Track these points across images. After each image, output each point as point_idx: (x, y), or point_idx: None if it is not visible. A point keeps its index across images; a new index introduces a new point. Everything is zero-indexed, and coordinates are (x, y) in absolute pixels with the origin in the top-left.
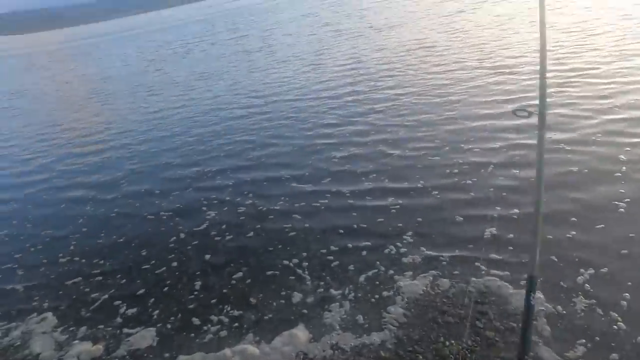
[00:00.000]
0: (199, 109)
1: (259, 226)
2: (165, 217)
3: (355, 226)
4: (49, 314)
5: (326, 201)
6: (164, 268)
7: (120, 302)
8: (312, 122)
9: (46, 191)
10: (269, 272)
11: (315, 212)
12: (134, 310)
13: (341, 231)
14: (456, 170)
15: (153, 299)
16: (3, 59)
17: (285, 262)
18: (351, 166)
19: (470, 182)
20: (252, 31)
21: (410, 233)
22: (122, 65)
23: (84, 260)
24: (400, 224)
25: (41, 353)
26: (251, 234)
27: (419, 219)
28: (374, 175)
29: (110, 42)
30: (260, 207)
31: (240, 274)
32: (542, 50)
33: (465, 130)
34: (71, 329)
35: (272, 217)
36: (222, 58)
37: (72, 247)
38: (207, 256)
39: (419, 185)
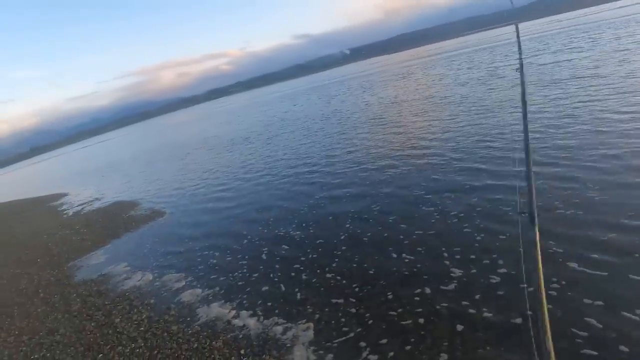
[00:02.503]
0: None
1: None
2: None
3: None
4: (311, 325)
5: None
6: (410, 321)
7: (365, 344)
8: None
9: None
10: None
11: None
12: (375, 358)
13: None
14: None
15: (392, 353)
16: (357, 78)
17: None
18: None
19: None
20: (596, 48)
21: None
22: (414, 89)
23: (344, 282)
24: None
25: None
26: None
27: None
28: None
29: (434, 61)
30: None
31: None
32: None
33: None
34: (321, 352)
35: None
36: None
37: (347, 270)
38: (458, 324)
39: None
